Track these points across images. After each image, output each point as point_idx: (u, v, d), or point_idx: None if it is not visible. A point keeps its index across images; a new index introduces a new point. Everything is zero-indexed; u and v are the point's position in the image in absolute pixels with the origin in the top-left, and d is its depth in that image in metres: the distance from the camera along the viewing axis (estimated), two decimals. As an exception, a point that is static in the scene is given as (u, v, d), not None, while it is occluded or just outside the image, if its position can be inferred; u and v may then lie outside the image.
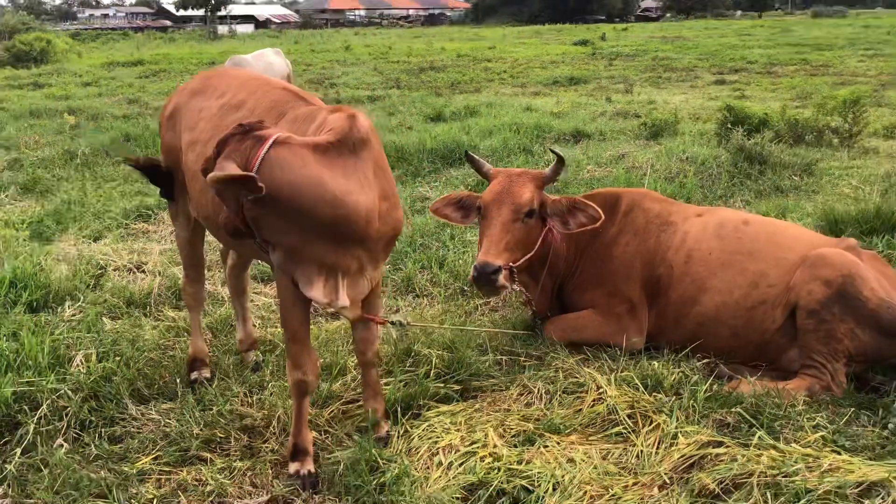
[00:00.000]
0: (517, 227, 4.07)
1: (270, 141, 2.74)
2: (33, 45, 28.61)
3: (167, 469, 3.27)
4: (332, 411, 3.71)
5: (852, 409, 3.65)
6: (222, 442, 3.46)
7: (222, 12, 66.72)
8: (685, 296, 4.26)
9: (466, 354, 4.03)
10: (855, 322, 3.94)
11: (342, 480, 3.11)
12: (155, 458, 3.33)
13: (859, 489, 3.01)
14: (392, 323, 3.80)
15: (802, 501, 2.92)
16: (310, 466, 3.25)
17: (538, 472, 3.07)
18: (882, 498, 2.97)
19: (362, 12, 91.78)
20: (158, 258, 5.78)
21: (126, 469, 3.23)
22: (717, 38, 38.56)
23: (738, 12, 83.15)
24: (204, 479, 3.20)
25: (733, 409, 3.51)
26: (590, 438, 3.47)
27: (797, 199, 7.18)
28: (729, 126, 10.00)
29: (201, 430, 3.48)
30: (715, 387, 3.81)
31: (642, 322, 4.37)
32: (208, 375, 4.05)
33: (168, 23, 66.73)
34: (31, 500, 2.99)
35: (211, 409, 3.62)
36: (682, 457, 3.25)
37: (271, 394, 3.80)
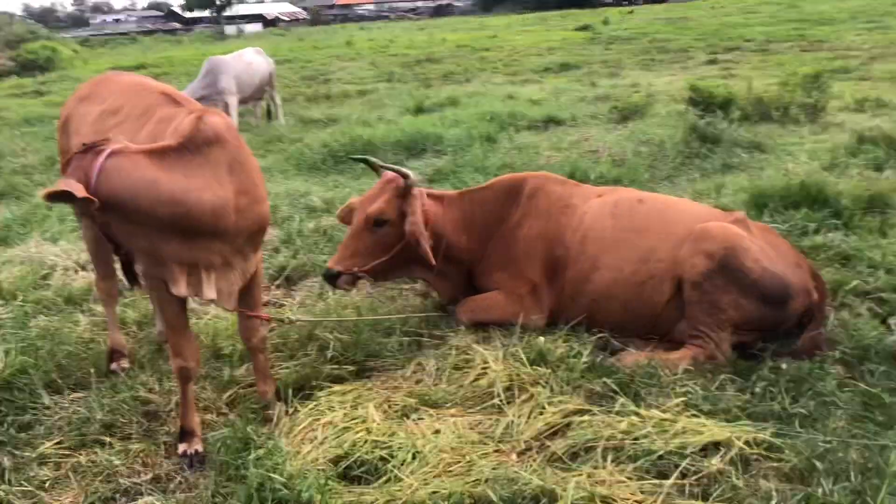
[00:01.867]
0: (366, 236, 4.41)
1: (106, 153, 2.95)
2: (39, 53, 29.10)
3: (66, 453, 3.50)
4: (231, 395, 3.93)
5: (722, 376, 3.81)
6: (123, 426, 3.68)
7: (229, 12, 67.21)
8: (580, 274, 4.43)
9: (367, 338, 4.24)
10: (738, 292, 4.09)
11: (217, 458, 3.33)
12: (57, 443, 3.56)
13: (702, 449, 3.20)
14: (279, 320, 4.02)
15: (641, 460, 3.11)
16: (197, 446, 3.47)
17: (400, 443, 3.27)
18: (721, 456, 3.14)
19: (371, 6, 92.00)
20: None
21: (28, 454, 3.48)
22: (721, 18, 38.26)
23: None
24: (98, 460, 3.43)
25: (603, 379, 3.68)
26: (468, 411, 3.67)
27: (740, 176, 7.27)
28: (691, 107, 10.11)
29: (104, 415, 3.71)
30: (599, 359, 3.99)
31: (543, 302, 4.54)
32: (126, 366, 4.28)
33: (178, 25, 67.44)
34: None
35: (116, 396, 3.85)
36: (546, 425, 3.44)
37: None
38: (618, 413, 3.46)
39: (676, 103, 12.76)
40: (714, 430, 3.28)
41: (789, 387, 3.67)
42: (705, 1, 63.99)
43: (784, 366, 3.79)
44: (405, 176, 4.44)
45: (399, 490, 2.98)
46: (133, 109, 3.68)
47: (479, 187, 4.93)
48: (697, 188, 6.87)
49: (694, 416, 3.45)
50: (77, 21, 76.63)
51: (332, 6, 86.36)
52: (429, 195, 4.68)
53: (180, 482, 3.30)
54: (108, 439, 3.59)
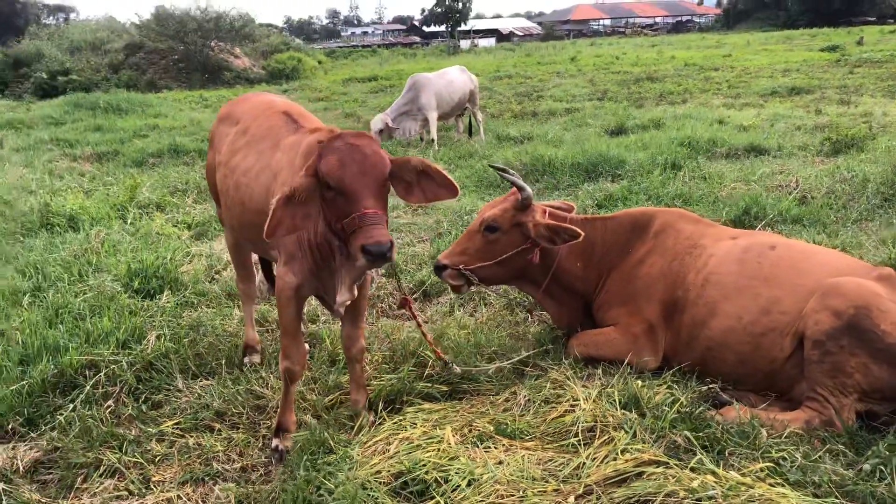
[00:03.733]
0: (477, 238, 4.57)
1: None
2: (286, 63, 32.00)
3: (180, 433, 3.92)
4: (332, 399, 4.18)
5: (827, 445, 3.48)
6: (233, 416, 4.05)
7: (464, 27, 69.64)
8: (697, 318, 4.23)
9: (468, 360, 4.33)
10: (868, 356, 3.71)
11: (296, 457, 3.57)
12: (176, 423, 3.99)
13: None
14: (444, 361, 4.30)
15: (694, 525, 2.93)
16: (288, 443, 3.75)
17: (458, 468, 3.33)
18: (789, 533, 2.89)
19: (607, 21, 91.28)
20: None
21: (150, 429, 3.93)
22: None
23: None
24: (204, 444, 3.80)
25: (684, 432, 3.50)
26: (545, 446, 3.64)
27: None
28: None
29: (220, 404, 4.10)
30: (698, 410, 3.79)
31: (658, 344, 4.38)
32: (258, 360, 4.69)
33: (417, 39, 70.93)
34: (61, 444, 3.76)
35: (234, 388, 4.23)
36: (615, 471, 3.33)
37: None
38: (692, 469, 3.28)
39: (908, 137, 11.61)
40: (791, 502, 3.02)
41: (904, 469, 3.28)
42: None
43: (899, 444, 3.39)
44: (521, 189, 4.50)
45: (441, 513, 3.04)
46: (258, 130, 4.06)
47: (606, 216, 4.84)
48: (885, 235, 6.23)
49: (778, 484, 3.19)
50: (330, 33, 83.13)
51: (566, 21, 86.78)
52: (552, 214, 4.68)
53: (262, 474, 3.58)
54: (217, 426, 3.97)
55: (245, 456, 3.74)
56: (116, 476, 3.57)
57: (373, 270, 3.97)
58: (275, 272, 3.95)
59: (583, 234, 4.35)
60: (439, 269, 4.68)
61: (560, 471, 3.42)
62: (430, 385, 4.16)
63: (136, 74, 30.40)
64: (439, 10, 69.59)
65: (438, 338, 4.68)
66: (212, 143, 4.54)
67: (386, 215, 3.37)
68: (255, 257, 4.94)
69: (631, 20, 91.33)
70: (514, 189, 4.63)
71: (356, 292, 3.66)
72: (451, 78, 13.30)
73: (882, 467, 3.31)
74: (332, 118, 18.42)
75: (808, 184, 8.27)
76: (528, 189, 4.52)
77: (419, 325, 4.32)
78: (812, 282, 3.98)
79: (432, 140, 13.07)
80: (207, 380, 4.43)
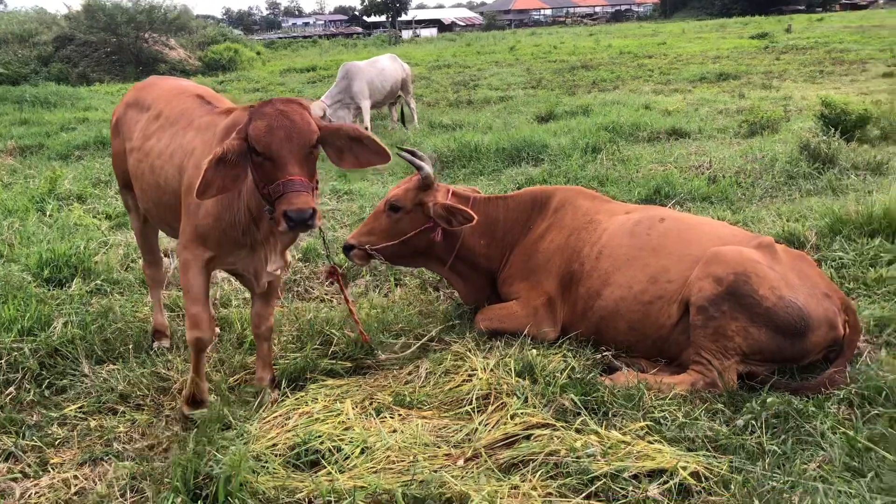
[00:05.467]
0: (382, 218, 4.70)
1: None
2: (222, 54, 31.54)
3: (83, 416, 3.94)
4: (237, 379, 4.25)
5: (707, 404, 3.68)
6: (137, 398, 4.09)
7: (405, 17, 69.54)
8: (591, 290, 4.39)
9: (373, 337, 4.44)
10: (748, 320, 3.92)
11: (196, 434, 3.62)
12: (79, 407, 4.01)
13: (649, 475, 3.13)
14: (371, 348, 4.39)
15: (571, 478, 3.09)
16: (200, 412, 3.79)
17: (352, 438, 3.43)
18: (659, 484, 3.06)
19: (548, 12, 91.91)
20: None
21: (53, 414, 3.94)
22: (924, 26, 35.23)
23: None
24: (106, 426, 3.83)
25: (570, 395, 3.66)
26: (442, 415, 3.76)
27: (840, 200, 6.80)
28: (822, 124, 9.52)
29: (124, 387, 4.13)
30: (589, 376, 3.95)
31: (557, 315, 4.54)
32: (167, 345, 4.71)
33: (359, 29, 70.50)
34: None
35: (139, 371, 4.26)
36: (504, 435, 3.47)
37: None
38: (577, 430, 3.44)
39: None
40: (666, 457, 3.20)
41: (774, 423, 3.49)
42: (908, 7, 59.10)
43: (769, 399, 3.59)
44: (419, 169, 4.61)
45: (328, 480, 3.14)
46: (171, 113, 4.08)
47: (508, 195, 4.99)
48: (783, 210, 6.51)
49: (656, 441, 3.37)
50: (271, 24, 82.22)
51: (508, 11, 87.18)
52: (454, 194, 4.79)
53: (162, 452, 3.63)
54: (121, 408, 4.00)
55: (147, 436, 3.78)
56: (11, 460, 3.57)
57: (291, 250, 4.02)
58: (177, 244, 3.97)
59: (476, 217, 4.48)
60: (347, 249, 4.77)
61: (453, 436, 3.55)
62: (334, 362, 4.25)
63: (68, 67, 29.61)
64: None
65: (346, 318, 4.76)
66: (117, 131, 4.51)
67: (314, 182, 3.43)
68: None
69: (571, 10, 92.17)
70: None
71: (290, 261, 3.74)
72: (383, 66, 13.35)
73: (753, 422, 3.51)
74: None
75: (721, 164, 8.56)
76: (427, 168, 4.63)
77: (346, 299, 4.40)
78: (697, 251, 4.17)
79: (365, 128, 13.09)
80: (114, 364, 4.45)
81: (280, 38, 59.74)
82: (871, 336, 4.38)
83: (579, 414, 3.60)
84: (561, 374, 3.91)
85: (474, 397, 3.78)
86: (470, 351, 4.26)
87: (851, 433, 3.30)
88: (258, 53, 37.84)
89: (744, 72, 21.10)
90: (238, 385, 4.21)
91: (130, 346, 4.56)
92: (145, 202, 4.27)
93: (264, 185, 3.34)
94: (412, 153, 4.81)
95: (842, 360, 4.00)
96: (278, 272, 3.72)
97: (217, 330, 4.92)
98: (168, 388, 4.20)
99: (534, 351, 4.13)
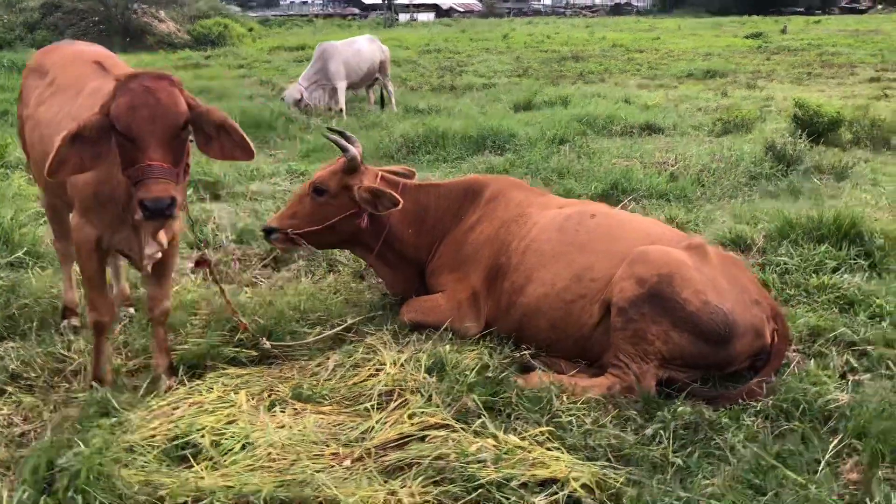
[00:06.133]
0: (306, 201, 4.46)
1: None
2: (211, 29, 31.14)
3: (-33, 398, 3.74)
4: (136, 363, 4.06)
5: (617, 410, 3.52)
6: (29, 379, 3.89)
7: (404, 0, 69.00)
8: (515, 285, 4.21)
9: (287, 326, 4.25)
10: (670, 324, 3.74)
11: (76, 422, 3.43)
12: (-34, 388, 3.81)
13: (541, 484, 2.97)
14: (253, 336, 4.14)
15: (454, 485, 2.92)
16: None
17: (234, 432, 3.25)
18: (548, 495, 2.90)
19: (548, 1, 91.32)
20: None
21: (-67, 397, 3.74)
22: (920, 32, 35.05)
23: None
24: (-9, 408, 3.64)
25: (472, 396, 3.48)
26: (341, 410, 3.59)
27: (799, 203, 6.64)
28: (797, 125, 9.38)
29: (17, 366, 3.93)
30: (502, 375, 3.78)
31: (480, 310, 4.37)
32: (77, 324, 4.51)
33: (356, 10, 69.81)
34: None
35: (36, 350, 4.06)
36: (399, 435, 3.30)
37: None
38: (476, 433, 3.28)
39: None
40: (561, 466, 3.03)
41: (683, 434, 3.33)
42: (908, 13, 58.95)
43: (681, 408, 3.43)
44: (345, 150, 4.42)
45: (195, 477, 2.96)
46: (65, 79, 3.87)
47: (440, 182, 4.81)
48: (737, 211, 6.34)
49: (556, 448, 3.20)
50: (270, 2, 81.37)
51: (507, 0, 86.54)
52: (383, 178, 4.60)
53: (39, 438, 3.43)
54: (9, 388, 3.80)
55: (29, 420, 3.58)
56: None
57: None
58: (71, 222, 3.78)
59: (402, 201, 4.29)
60: (268, 232, 4.57)
61: (346, 434, 3.37)
62: (238, 350, 4.06)
63: (54, 35, 29.19)
64: (378, -20, 68.79)
65: (268, 306, 4.57)
66: (21, 97, 4.30)
67: (179, 168, 3.24)
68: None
69: (571, 1, 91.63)
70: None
71: (165, 244, 3.54)
72: (359, 47, 13.12)
73: (662, 432, 3.35)
74: (246, 84, 18.01)
75: (686, 161, 8.37)
76: (353, 150, 4.43)
77: (220, 289, 4.20)
78: (625, 249, 3.99)
79: (340, 110, 12.88)
80: (13, 342, 4.24)
81: (277, 15, 59.04)
82: (804, 345, 4.23)
83: (481, 415, 3.43)
84: (471, 371, 3.73)
85: (377, 393, 3.61)
86: (385, 344, 4.08)
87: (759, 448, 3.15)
88: (250, 30, 37.36)
89: (731, 70, 20.91)
90: (136, 370, 4.02)
91: (35, 324, 4.36)
92: (38, 174, 4.04)
93: (125, 166, 3.14)
94: (341, 134, 4.62)
95: (767, 370, 3.85)
96: (158, 255, 3.52)
97: (131, 310, 4.74)
98: (62, 370, 4.00)
99: (447, 346, 3.95)
